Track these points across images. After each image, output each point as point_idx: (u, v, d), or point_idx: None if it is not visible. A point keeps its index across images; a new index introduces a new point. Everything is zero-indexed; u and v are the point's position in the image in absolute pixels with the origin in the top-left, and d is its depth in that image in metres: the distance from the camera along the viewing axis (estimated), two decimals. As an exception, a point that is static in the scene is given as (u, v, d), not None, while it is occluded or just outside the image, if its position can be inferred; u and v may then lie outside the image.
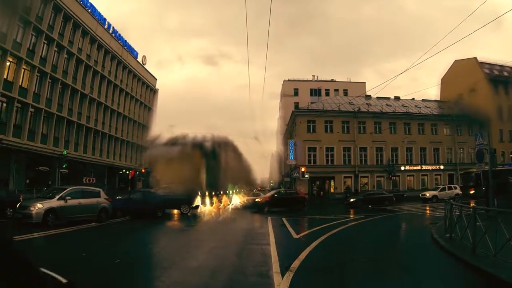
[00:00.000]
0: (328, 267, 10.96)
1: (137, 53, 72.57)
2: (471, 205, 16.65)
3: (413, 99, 65.86)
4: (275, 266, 10.49)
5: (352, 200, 40.78)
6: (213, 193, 42.20)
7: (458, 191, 45.49)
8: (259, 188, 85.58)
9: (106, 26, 61.18)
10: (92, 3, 56.81)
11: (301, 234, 18.25)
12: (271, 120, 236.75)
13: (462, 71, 62.45)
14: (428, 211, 33.65)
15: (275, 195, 39.11)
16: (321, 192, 57.56)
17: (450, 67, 68.53)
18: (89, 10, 56.26)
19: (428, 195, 46.98)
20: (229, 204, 42.78)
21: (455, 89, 57.75)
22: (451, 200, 18.24)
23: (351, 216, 27.93)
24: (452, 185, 49.99)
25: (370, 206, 38.33)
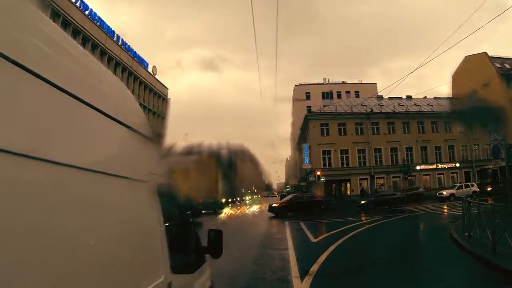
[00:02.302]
0: (347, 271, 10.93)
1: (147, 64, 72.85)
2: (489, 202, 16.53)
3: (425, 97, 65.33)
4: (294, 271, 10.57)
5: (362, 202, 40.51)
6: (230, 200, 42.34)
7: (475, 188, 45.02)
8: (276, 193, 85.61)
9: (115, 39, 61.64)
10: (101, 16, 57.37)
11: (319, 238, 18.26)
12: (283, 125, 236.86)
13: (473, 67, 61.51)
14: (445, 210, 33.37)
15: (292, 199, 39.10)
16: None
17: (461, 64, 67.60)
18: (98, 24, 56.74)
19: (445, 193, 46.24)
20: (246, 210, 42.80)
21: (466, 85, 56.74)
22: (469, 198, 18.08)
23: (368, 218, 27.68)
24: (469, 183, 49.32)
25: (386, 207, 38.10)
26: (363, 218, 28.16)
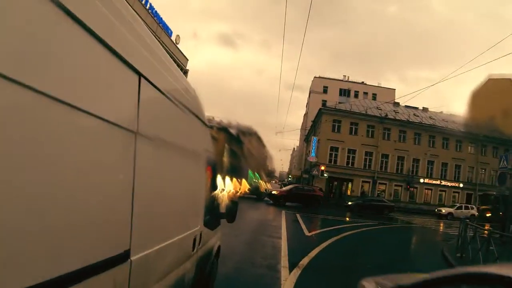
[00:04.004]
0: (336, 269, 11.06)
1: (171, 32, 71.40)
2: (486, 227, 16.54)
3: (441, 112, 64.96)
4: (284, 261, 10.72)
5: (350, 203, 41.53)
6: (233, 179, 42.33)
7: (474, 211, 45.18)
8: (277, 181, 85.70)
9: (143, 2, 60.21)
10: None
11: (313, 233, 18.43)
12: (294, 114, 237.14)
13: (496, 90, 59.93)
14: (441, 227, 33.45)
15: (292, 189, 39.24)
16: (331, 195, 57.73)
17: (484, 84, 65.72)
18: None
19: (443, 211, 46.46)
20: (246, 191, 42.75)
21: (486, 108, 55.37)
22: (467, 220, 18.00)
23: (363, 222, 27.68)
24: (469, 205, 49.35)
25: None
26: (363, 221, 28.09)
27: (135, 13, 2.60)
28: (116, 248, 2.28)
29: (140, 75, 2.49)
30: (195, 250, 4.42)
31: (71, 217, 1.80)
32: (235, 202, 6.16)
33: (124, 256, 2.37)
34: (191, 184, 4.27)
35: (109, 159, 2.20)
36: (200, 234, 4.66)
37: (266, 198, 39.58)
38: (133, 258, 2.49)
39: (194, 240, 4.36)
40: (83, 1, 1.86)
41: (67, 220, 1.77)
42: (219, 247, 6.80)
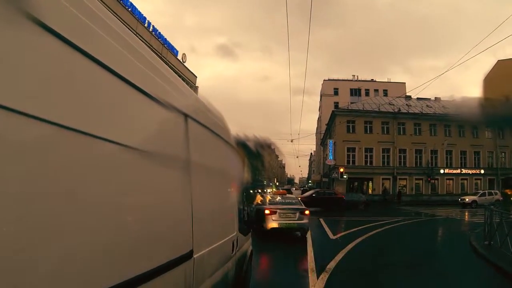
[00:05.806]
0: (364, 270, 11.03)
1: (177, 51, 71.36)
2: (512, 211, 16.32)
3: (453, 100, 64.39)
4: (311, 266, 10.69)
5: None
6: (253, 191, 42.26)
7: (498, 197, 44.62)
8: (297, 188, 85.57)
9: (146, 25, 60.02)
10: (132, 2, 56.05)
11: (338, 235, 18.34)
12: (308, 119, 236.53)
13: (506, 72, 59.03)
14: (466, 217, 33.13)
15: (313, 194, 39.22)
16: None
17: (494, 67, 64.81)
18: (129, 9, 55.12)
19: (467, 200, 45.96)
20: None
21: (499, 91, 54.45)
22: (492, 206, 17.75)
23: (390, 219, 27.47)
24: (492, 191, 48.81)
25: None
26: (383, 219, 27.80)
27: (172, 71, 3.28)
28: (184, 248, 3.18)
29: (185, 115, 3.30)
30: (234, 252, 5.40)
31: (160, 228, 2.70)
32: (262, 210, 7.55)
33: (189, 255, 3.25)
34: (227, 198, 5.40)
35: (176, 187, 3.10)
36: (237, 239, 5.66)
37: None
38: (195, 256, 3.38)
39: (233, 243, 5.35)
40: (142, 75, 2.61)
41: (158, 231, 2.67)
42: (251, 252, 7.70)
